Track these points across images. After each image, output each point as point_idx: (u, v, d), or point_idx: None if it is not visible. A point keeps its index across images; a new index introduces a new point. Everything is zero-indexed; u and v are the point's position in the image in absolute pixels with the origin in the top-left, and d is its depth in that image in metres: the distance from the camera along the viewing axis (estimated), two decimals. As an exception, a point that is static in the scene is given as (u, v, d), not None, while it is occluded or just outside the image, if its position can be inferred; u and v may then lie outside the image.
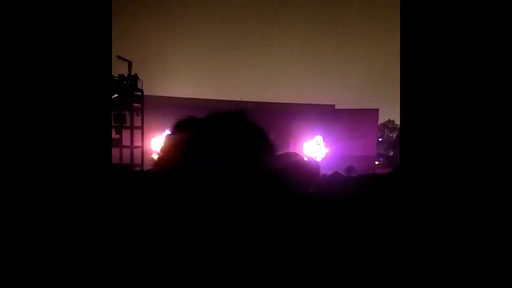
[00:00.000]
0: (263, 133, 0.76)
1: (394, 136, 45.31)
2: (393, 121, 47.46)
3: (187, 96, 18.85)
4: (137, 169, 10.95)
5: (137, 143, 15.64)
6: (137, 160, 15.31)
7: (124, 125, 15.24)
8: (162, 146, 0.81)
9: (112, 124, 14.78)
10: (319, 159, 19.69)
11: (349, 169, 6.14)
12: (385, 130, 48.38)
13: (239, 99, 22.02)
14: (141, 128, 15.47)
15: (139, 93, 15.72)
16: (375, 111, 25.58)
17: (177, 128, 0.78)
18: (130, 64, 15.71)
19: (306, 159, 1.99)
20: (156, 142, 17.90)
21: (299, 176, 1.61)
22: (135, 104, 15.51)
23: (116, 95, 14.52)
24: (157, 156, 0.81)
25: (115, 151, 14.41)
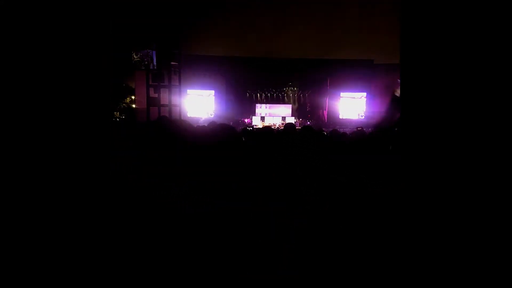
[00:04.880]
0: None
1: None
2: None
3: (221, 55, 18.68)
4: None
5: (175, 101, 15.89)
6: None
7: (162, 83, 15.40)
8: None
9: (150, 83, 15.02)
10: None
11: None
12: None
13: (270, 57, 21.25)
14: (179, 86, 15.60)
15: (177, 51, 15.72)
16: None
17: None
18: (167, 22, 15.62)
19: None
20: (189, 100, 18.20)
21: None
22: (172, 62, 15.54)
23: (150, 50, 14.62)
24: None
25: (153, 110, 14.73)
